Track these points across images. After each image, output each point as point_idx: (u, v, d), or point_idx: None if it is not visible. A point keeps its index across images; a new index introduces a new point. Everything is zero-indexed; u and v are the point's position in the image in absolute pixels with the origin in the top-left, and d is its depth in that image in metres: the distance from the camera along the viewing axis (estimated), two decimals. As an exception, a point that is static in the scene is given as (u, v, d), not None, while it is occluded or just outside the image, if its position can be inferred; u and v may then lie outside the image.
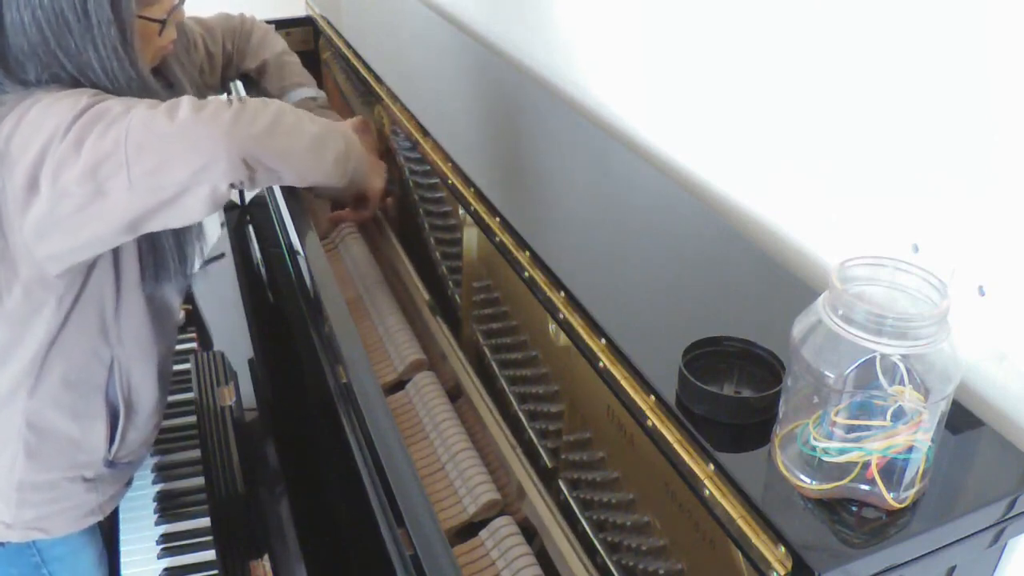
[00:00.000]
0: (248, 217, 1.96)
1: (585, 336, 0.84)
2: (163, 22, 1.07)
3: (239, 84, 1.58)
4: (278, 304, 1.58)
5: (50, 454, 1.20)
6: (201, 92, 1.32)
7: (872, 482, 0.62)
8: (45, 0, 0.94)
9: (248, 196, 1.98)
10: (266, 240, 1.75)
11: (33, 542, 1.25)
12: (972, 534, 0.66)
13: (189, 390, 1.58)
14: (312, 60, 1.94)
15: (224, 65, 1.48)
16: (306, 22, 1.96)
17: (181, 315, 1.84)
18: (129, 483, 1.36)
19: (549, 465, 1.03)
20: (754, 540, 0.64)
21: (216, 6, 1.56)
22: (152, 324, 1.23)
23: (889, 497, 0.62)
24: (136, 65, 1.02)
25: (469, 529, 1.06)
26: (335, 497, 1.18)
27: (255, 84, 1.58)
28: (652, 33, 1.22)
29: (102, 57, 0.98)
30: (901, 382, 0.59)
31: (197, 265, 1.19)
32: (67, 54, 0.98)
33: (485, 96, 1.45)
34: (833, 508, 0.64)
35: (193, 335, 1.85)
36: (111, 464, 1.27)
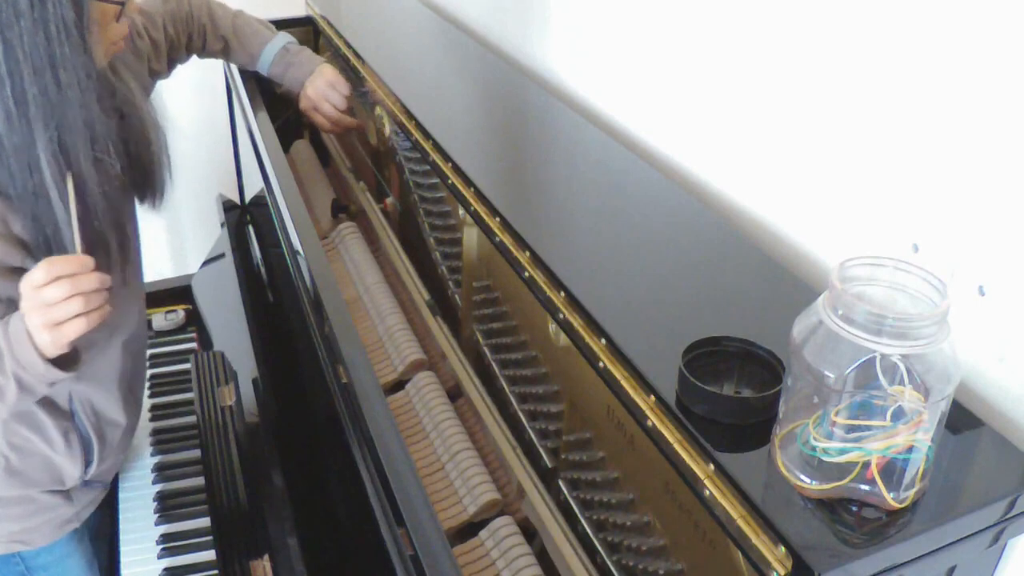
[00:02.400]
0: (248, 217, 1.96)
1: (585, 336, 0.84)
2: (122, 5, 1.02)
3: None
4: (278, 304, 1.58)
5: (28, 472, 1.20)
6: (147, 88, 1.28)
7: (872, 482, 0.62)
8: None
9: (248, 196, 1.99)
10: (266, 240, 1.75)
11: (17, 552, 1.25)
12: (972, 534, 0.66)
13: (189, 390, 1.58)
14: (312, 60, 1.94)
15: (170, 48, 1.43)
16: (306, 22, 1.96)
17: (169, 320, 1.85)
18: (105, 488, 1.36)
19: (549, 465, 1.03)
20: (754, 540, 0.64)
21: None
22: (105, 350, 1.19)
23: (889, 497, 0.62)
24: (89, 52, 0.97)
25: (469, 529, 1.06)
26: (335, 497, 1.18)
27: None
28: (652, 33, 1.22)
29: (51, 42, 0.92)
30: (901, 382, 0.59)
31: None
32: (7, 48, 0.91)
33: (485, 96, 1.45)
34: (833, 508, 0.64)
35: (193, 335, 1.85)
36: (87, 483, 1.28)
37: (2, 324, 0.99)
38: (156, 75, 1.41)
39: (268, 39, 1.53)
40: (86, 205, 1.01)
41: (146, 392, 1.66)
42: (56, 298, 0.94)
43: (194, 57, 1.52)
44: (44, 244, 1.01)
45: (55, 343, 0.96)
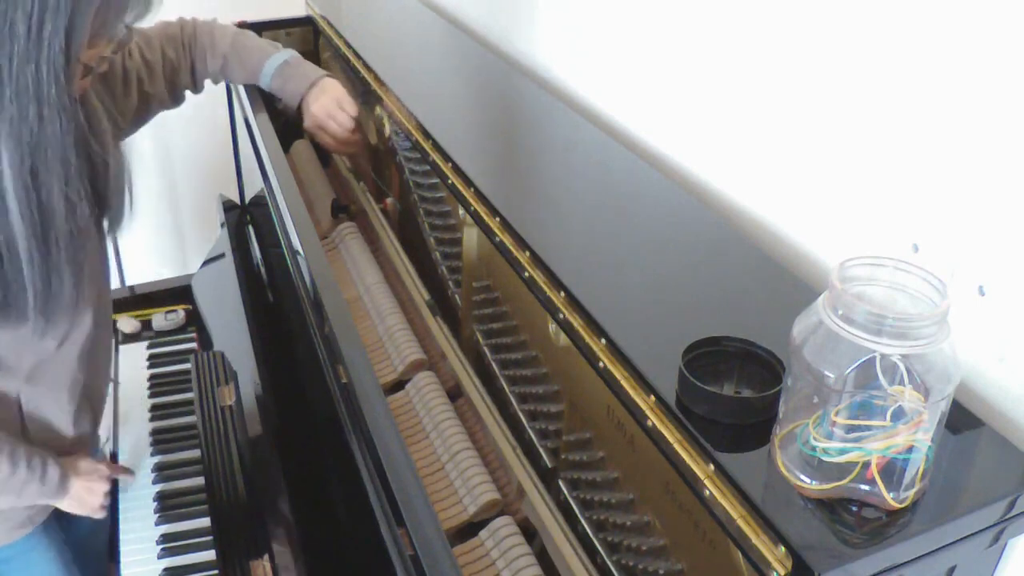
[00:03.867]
0: (248, 217, 1.96)
1: (585, 336, 0.84)
2: (91, 69, 1.05)
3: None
4: (278, 304, 1.58)
5: None
6: (113, 115, 1.26)
7: (872, 482, 0.62)
8: None
9: (248, 196, 1.99)
10: (266, 240, 1.75)
11: None
12: (972, 534, 0.66)
13: (189, 390, 1.58)
14: (312, 60, 1.94)
15: (170, 71, 1.43)
16: (306, 22, 1.96)
17: (169, 320, 1.86)
18: None
19: (549, 465, 1.03)
20: (754, 540, 0.64)
21: (212, 7, 1.55)
22: (58, 357, 1.18)
23: (889, 497, 0.62)
24: (73, 96, 1.00)
25: (469, 529, 1.06)
26: (335, 497, 1.18)
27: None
28: (653, 33, 1.22)
29: (40, 79, 0.95)
30: (901, 382, 0.59)
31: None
32: None
33: (485, 96, 1.45)
34: (833, 508, 0.64)
35: (193, 335, 1.85)
36: None
37: (38, 464, 1.19)
38: (151, 99, 1.39)
39: (270, 54, 1.51)
40: (47, 236, 1.03)
41: (146, 392, 1.67)
42: (103, 489, 1.29)
43: (208, 83, 1.51)
44: None
45: (82, 504, 1.28)
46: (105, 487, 1.31)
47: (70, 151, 1.01)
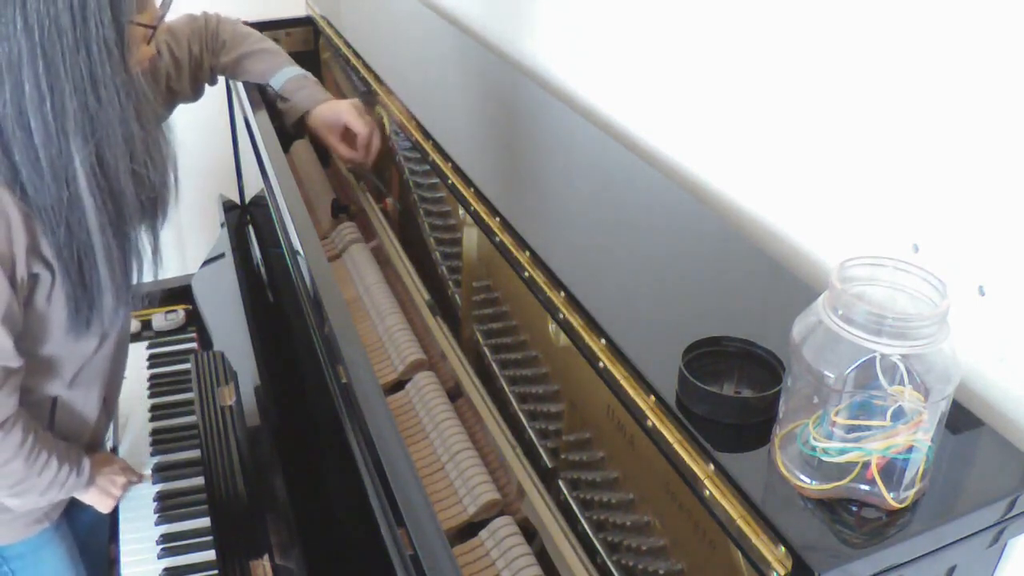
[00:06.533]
0: (248, 217, 1.96)
1: (585, 336, 0.84)
2: (153, 28, 1.06)
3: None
4: (278, 304, 1.58)
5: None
6: (163, 101, 1.29)
7: (872, 482, 0.62)
8: (40, 5, 0.91)
9: (248, 196, 1.99)
10: (266, 240, 1.75)
11: None
12: (972, 534, 0.66)
13: (189, 390, 1.58)
14: (312, 60, 1.94)
15: (194, 68, 1.45)
16: (306, 22, 1.96)
17: (169, 320, 1.87)
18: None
19: (549, 465, 1.03)
20: (754, 540, 0.64)
21: (217, 6, 1.55)
22: (95, 358, 1.21)
23: (889, 497, 0.62)
24: (128, 69, 1.01)
25: (469, 529, 1.06)
26: (335, 497, 1.18)
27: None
28: (653, 33, 1.22)
29: (93, 61, 0.95)
30: (901, 382, 0.59)
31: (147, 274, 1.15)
32: (48, 65, 0.94)
33: (485, 96, 1.45)
34: (833, 508, 0.64)
35: (193, 335, 1.85)
36: None
37: (76, 459, 1.22)
38: (176, 95, 1.41)
39: (289, 63, 1.53)
40: (121, 212, 1.06)
41: (146, 392, 1.67)
42: (123, 481, 1.38)
43: (220, 78, 1.52)
44: (74, 257, 1.03)
45: (104, 495, 1.34)
46: (123, 479, 1.38)
47: (132, 124, 1.03)
